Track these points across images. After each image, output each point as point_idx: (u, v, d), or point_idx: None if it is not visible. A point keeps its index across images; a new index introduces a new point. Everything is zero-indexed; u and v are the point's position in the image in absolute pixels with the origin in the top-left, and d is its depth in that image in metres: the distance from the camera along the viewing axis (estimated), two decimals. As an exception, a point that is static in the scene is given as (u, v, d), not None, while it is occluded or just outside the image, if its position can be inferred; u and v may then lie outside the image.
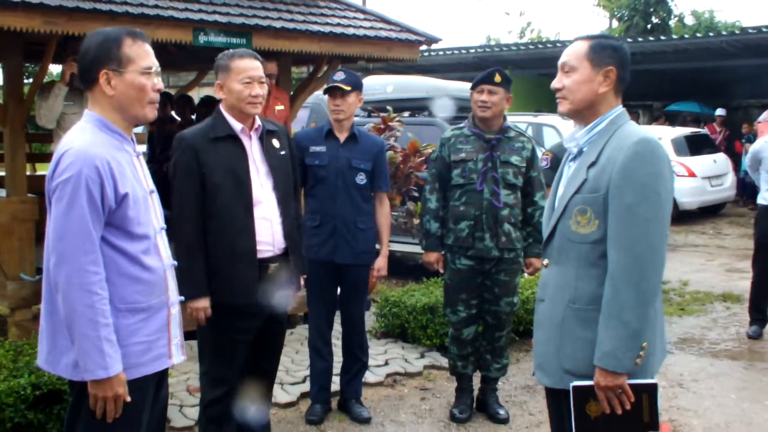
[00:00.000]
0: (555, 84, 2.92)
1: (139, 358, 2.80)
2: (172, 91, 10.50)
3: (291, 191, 4.05)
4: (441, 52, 20.15)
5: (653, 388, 2.76)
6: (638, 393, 2.73)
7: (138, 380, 2.81)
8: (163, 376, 3.03)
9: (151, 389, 2.92)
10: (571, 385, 2.78)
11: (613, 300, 2.69)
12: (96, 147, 2.73)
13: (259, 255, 3.84)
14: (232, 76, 3.80)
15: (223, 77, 3.84)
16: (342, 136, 4.92)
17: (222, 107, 3.90)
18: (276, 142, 4.00)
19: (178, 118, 9.38)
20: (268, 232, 3.87)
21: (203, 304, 3.78)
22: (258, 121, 3.93)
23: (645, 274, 2.67)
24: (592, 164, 2.81)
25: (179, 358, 3.01)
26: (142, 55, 2.83)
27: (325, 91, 4.96)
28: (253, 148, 3.90)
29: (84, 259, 2.64)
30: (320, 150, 4.85)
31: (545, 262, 3.00)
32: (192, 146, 3.80)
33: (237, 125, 3.85)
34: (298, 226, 4.14)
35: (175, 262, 3.03)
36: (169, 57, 8.47)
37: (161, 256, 2.90)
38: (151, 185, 2.96)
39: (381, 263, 5.08)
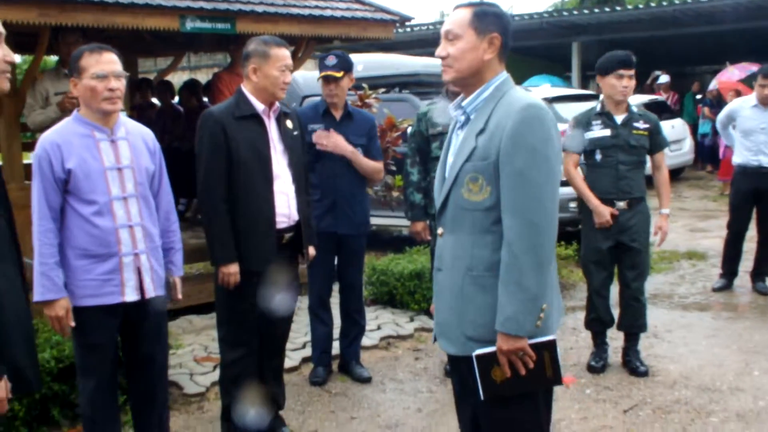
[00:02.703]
0: (439, 52, 2.85)
1: (92, 291, 3.62)
2: (151, 77, 10.64)
3: (303, 168, 4.37)
4: (401, 29, 20.34)
5: (553, 344, 2.79)
6: (539, 351, 2.75)
7: (93, 308, 3.63)
8: (138, 311, 3.76)
9: (111, 318, 3.70)
10: (474, 354, 2.78)
11: (511, 265, 2.67)
12: (51, 134, 3.60)
13: (276, 225, 4.16)
14: (270, 63, 4.08)
15: (258, 62, 4.10)
16: (338, 114, 5.22)
17: (245, 88, 4.17)
18: (290, 123, 4.32)
19: (158, 103, 9.56)
20: (285, 204, 4.20)
21: (234, 269, 4.09)
22: (276, 104, 4.22)
23: (541, 238, 2.66)
24: (481, 131, 2.77)
25: (133, 297, 3.70)
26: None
27: (321, 80, 5.20)
28: (271, 128, 4.21)
29: (36, 215, 3.54)
30: (318, 128, 5.13)
31: (440, 231, 2.94)
32: (220, 122, 4.09)
33: (260, 106, 4.15)
34: (308, 202, 4.44)
35: (138, 223, 3.70)
36: (146, 43, 8.66)
37: (115, 217, 3.61)
38: (122, 162, 3.66)
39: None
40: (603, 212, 5.34)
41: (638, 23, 18.82)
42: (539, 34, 19.18)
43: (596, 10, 20.12)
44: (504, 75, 2.86)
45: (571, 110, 12.48)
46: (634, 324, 5.54)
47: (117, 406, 3.96)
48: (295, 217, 4.27)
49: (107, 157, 3.63)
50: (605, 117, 5.40)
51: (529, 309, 2.68)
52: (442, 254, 2.94)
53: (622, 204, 5.38)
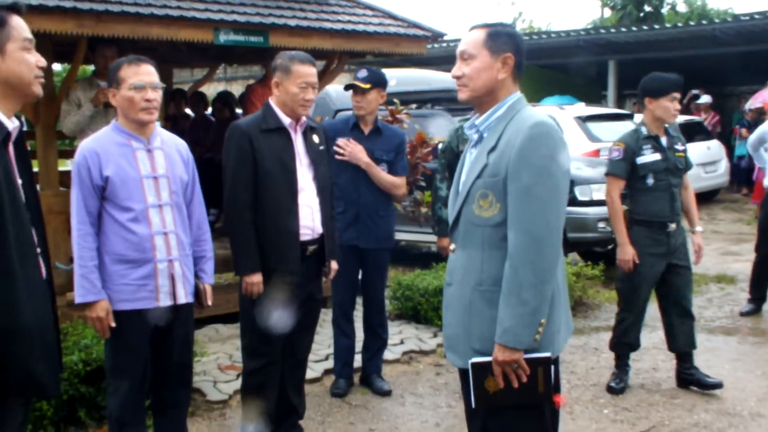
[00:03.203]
0: (455, 72, 2.93)
1: (128, 295, 3.74)
2: (185, 88, 10.78)
3: (328, 183, 4.44)
4: (436, 45, 20.41)
5: (547, 361, 2.82)
6: (534, 366, 2.79)
7: (129, 312, 3.75)
8: (172, 317, 3.86)
9: (145, 322, 3.78)
10: (470, 361, 2.85)
11: (511, 279, 2.73)
12: (90, 142, 3.76)
13: (300, 237, 4.23)
14: (291, 79, 4.15)
15: (281, 77, 4.18)
16: (366, 129, 5.29)
17: (272, 102, 4.26)
18: (316, 138, 4.38)
19: (192, 114, 9.68)
20: (309, 217, 4.27)
21: (257, 279, 4.17)
22: (303, 117, 4.29)
23: (542, 254, 2.72)
24: (492, 149, 2.84)
25: (166, 302, 3.82)
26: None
27: (346, 88, 5.30)
28: (297, 141, 4.28)
29: (75, 219, 3.68)
30: (347, 141, 5.20)
31: (452, 247, 3.03)
32: (246, 134, 4.18)
33: (286, 119, 4.23)
34: (332, 216, 4.51)
35: (173, 231, 3.80)
36: (181, 54, 8.79)
37: (150, 224, 3.73)
38: (158, 171, 3.77)
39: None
40: (629, 252, 5.30)
41: (677, 42, 18.67)
42: (575, 51, 19.10)
43: (634, 29, 20.03)
44: (517, 95, 2.93)
45: (604, 129, 12.49)
46: (691, 342, 5.55)
47: (144, 409, 4.04)
48: (319, 230, 4.33)
49: (144, 166, 3.76)
50: (654, 141, 5.37)
51: (527, 322, 2.74)
52: (453, 269, 3.02)
53: (673, 226, 5.38)
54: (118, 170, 3.69)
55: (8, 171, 2.51)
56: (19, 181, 2.59)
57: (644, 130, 5.39)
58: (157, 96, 3.74)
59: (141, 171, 3.74)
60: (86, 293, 3.67)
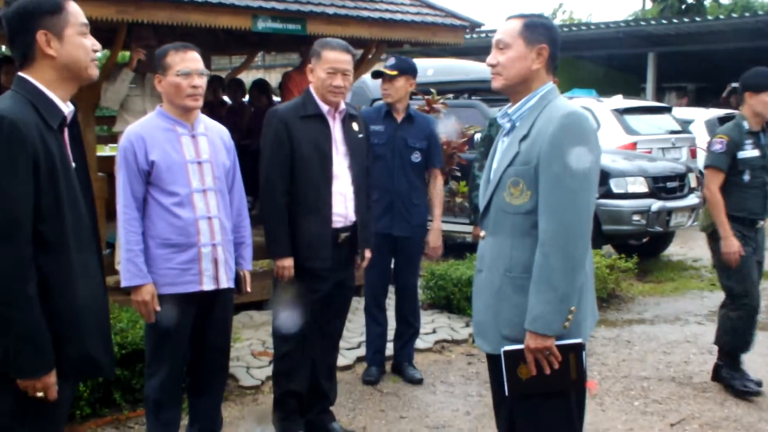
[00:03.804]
0: (490, 60, 2.96)
1: (172, 279, 3.78)
2: (223, 75, 10.86)
3: (364, 171, 4.45)
4: (475, 35, 20.33)
5: (580, 347, 2.85)
6: (566, 353, 2.82)
7: (173, 296, 3.78)
8: (211, 301, 3.91)
9: (188, 306, 3.84)
10: (503, 349, 2.87)
11: (542, 266, 2.76)
12: (136, 127, 3.81)
13: (333, 224, 4.26)
14: (320, 64, 4.17)
15: (314, 62, 4.22)
16: (399, 117, 5.31)
17: (311, 88, 4.28)
18: (355, 126, 4.39)
19: (230, 101, 9.74)
20: (342, 204, 4.29)
21: (288, 263, 4.21)
22: (342, 105, 4.31)
23: (572, 241, 2.75)
24: (524, 138, 2.87)
25: (210, 286, 3.86)
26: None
27: (373, 76, 5.32)
28: (335, 128, 4.30)
29: (121, 204, 3.73)
30: (379, 129, 5.22)
31: (482, 233, 3.05)
32: (283, 120, 4.21)
33: (324, 106, 4.24)
34: (368, 205, 4.53)
35: (216, 215, 3.85)
36: (219, 42, 8.86)
37: (195, 209, 3.77)
38: (202, 157, 3.81)
39: (433, 238, 5.45)
40: (735, 244, 5.13)
41: (719, 34, 18.46)
42: (614, 43, 18.95)
43: (675, 21, 19.81)
44: (550, 85, 2.96)
45: (642, 122, 12.41)
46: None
47: (181, 392, 4.09)
48: (352, 217, 4.34)
49: (188, 151, 3.81)
50: (755, 136, 5.26)
51: (558, 309, 2.76)
52: (483, 256, 3.06)
53: (762, 223, 5.32)
54: (164, 155, 3.74)
55: (64, 155, 2.56)
56: (73, 165, 2.64)
57: (746, 125, 5.26)
58: (202, 82, 3.80)
59: (186, 156, 3.79)
60: (132, 277, 3.70)
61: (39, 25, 2.51)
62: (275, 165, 4.21)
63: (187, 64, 3.76)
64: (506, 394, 2.91)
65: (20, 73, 2.57)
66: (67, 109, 2.62)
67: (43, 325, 2.46)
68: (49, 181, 2.46)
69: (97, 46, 2.67)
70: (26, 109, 2.47)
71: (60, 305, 2.52)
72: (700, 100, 20.73)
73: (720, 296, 7.88)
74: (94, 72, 2.66)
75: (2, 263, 2.38)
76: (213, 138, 3.92)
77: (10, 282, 2.39)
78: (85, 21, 2.62)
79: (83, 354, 2.62)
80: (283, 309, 4.39)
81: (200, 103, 3.83)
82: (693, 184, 9.75)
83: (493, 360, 3.05)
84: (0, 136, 2.38)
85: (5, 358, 2.45)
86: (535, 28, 2.91)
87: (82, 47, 2.59)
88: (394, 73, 5.22)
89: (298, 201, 4.21)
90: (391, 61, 5.28)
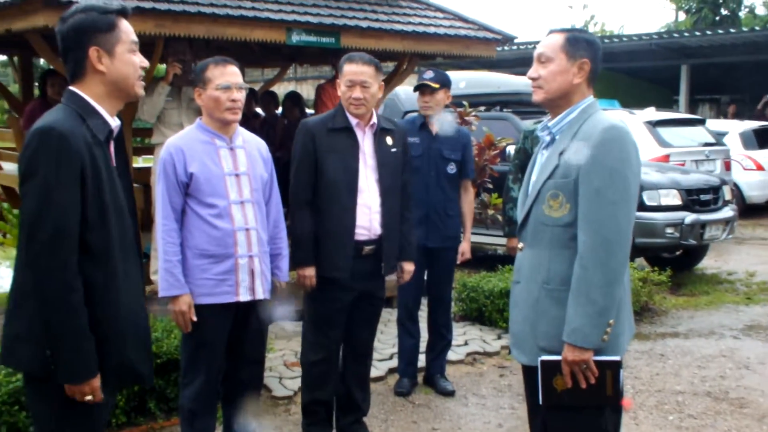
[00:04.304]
0: (531, 73, 2.99)
1: (209, 289, 3.82)
2: (256, 87, 10.94)
3: (397, 185, 4.44)
4: (506, 48, 20.32)
5: (617, 364, 2.85)
6: (602, 369, 2.82)
7: (210, 306, 3.82)
8: (247, 312, 3.96)
9: (225, 317, 3.89)
10: (540, 359, 2.88)
11: (581, 279, 2.77)
12: (176, 140, 3.86)
13: (356, 237, 4.29)
14: (342, 77, 4.26)
15: (340, 76, 4.29)
16: (434, 129, 5.32)
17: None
18: (389, 140, 4.41)
19: (263, 114, 9.81)
20: (366, 217, 4.31)
21: (309, 272, 4.27)
22: (374, 119, 4.34)
23: (612, 254, 2.76)
24: (564, 151, 2.89)
25: (246, 297, 3.89)
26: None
27: (416, 89, 5.35)
28: (365, 142, 4.33)
29: (160, 215, 3.78)
30: (415, 141, 5.24)
31: (520, 245, 3.07)
32: (311, 132, 4.29)
33: (353, 119, 4.28)
34: (406, 218, 4.55)
35: (254, 227, 3.88)
36: (253, 55, 8.94)
37: (233, 220, 3.81)
38: (240, 169, 3.85)
39: (465, 247, 5.47)
40: None
41: (753, 46, 18.31)
42: (647, 55, 18.86)
43: (708, 32, 19.68)
44: (590, 99, 2.98)
45: (675, 135, 12.33)
46: None
47: (215, 402, 4.13)
48: (377, 231, 4.35)
49: (227, 164, 3.86)
50: None
51: (596, 322, 2.77)
52: (520, 267, 3.07)
53: None
54: (202, 167, 3.78)
55: (110, 167, 2.63)
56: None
57: None
58: (241, 96, 3.86)
59: (224, 168, 3.83)
60: (170, 287, 3.75)
61: (92, 42, 2.58)
62: (301, 175, 4.28)
63: (227, 78, 3.81)
64: (540, 403, 2.91)
65: (71, 87, 2.64)
66: (114, 122, 2.68)
67: (88, 332, 2.51)
68: (95, 191, 2.52)
69: (145, 63, 2.73)
70: (75, 122, 2.54)
71: (104, 313, 2.58)
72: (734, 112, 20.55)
73: (758, 311, 7.89)
74: (141, 90, 2.72)
75: (50, 272, 2.44)
76: (251, 150, 3.97)
77: (58, 291, 2.45)
78: (135, 39, 2.68)
79: (125, 362, 2.67)
80: (308, 318, 4.44)
81: (239, 116, 3.89)
82: (728, 196, 9.67)
83: (528, 372, 3.05)
84: (49, 147, 2.45)
85: (53, 365, 2.51)
86: (577, 43, 2.94)
87: (131, 64, 2.65)
88: (437, 86, 5.26)
89: (321, 212, 4.27)
90: (430, 74, 5.31)
